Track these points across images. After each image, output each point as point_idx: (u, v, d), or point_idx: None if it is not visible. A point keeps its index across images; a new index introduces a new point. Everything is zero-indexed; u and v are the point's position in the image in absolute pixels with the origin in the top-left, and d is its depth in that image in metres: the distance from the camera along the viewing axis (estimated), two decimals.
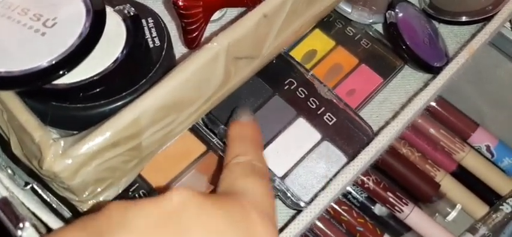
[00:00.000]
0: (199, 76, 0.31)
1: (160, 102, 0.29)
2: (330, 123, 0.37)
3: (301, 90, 0.39)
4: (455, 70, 0.36)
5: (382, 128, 0.35)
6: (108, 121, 0.28)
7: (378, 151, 0.35)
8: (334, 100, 0.38)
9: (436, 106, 0.59)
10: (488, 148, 0.58)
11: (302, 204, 0.34)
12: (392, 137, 0.34)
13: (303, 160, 0.36)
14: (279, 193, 0.35)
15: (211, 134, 0.37)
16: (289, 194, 0.35)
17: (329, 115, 0.38)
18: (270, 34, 0.34)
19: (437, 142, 0.58)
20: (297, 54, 0.42)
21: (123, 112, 0.28)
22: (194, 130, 0.36)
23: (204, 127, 0.37)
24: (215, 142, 0.36)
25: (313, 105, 0.38)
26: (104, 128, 0.28)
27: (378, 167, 0.59)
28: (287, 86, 0.39)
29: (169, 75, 0.30)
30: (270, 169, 0.35)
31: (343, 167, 0.35)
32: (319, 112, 0.38)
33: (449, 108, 0.60)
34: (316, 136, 0.37)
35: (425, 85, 0.36)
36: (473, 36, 0.39)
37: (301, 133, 0.37)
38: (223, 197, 0.27)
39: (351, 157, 0.36)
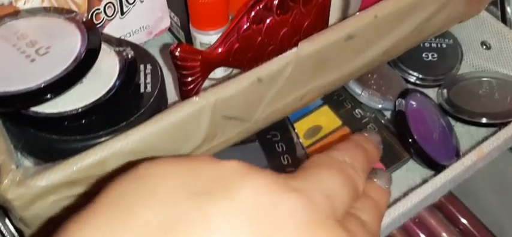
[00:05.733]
0: (178, 129, 0.30)
1: (130, 148, 0.28)
2: None
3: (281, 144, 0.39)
4: (459, 172, 0.33)
5: None
6: (72, 158, 0.27)
7: None
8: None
9: (455, 213, 0.56)
10: None
11: None
12: None
13: None
14: None
15: None
16: None
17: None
18: (264, 99, 0.33)
19: None
20: (302, 126, 0.41)
21: (90, 151, 0.27)
22: None
23: None
24: None
25: (284, 161, 0.38)
26: (67, 164, 0.27)
27: None
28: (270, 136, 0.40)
29: (146, 122, 0.29)
30: None
31: None
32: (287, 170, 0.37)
33: (470, 217, 0.55)
34: None
35: (424, 181, 0.33)
36: (485, 138, 0.36)
37: None
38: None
39: None
